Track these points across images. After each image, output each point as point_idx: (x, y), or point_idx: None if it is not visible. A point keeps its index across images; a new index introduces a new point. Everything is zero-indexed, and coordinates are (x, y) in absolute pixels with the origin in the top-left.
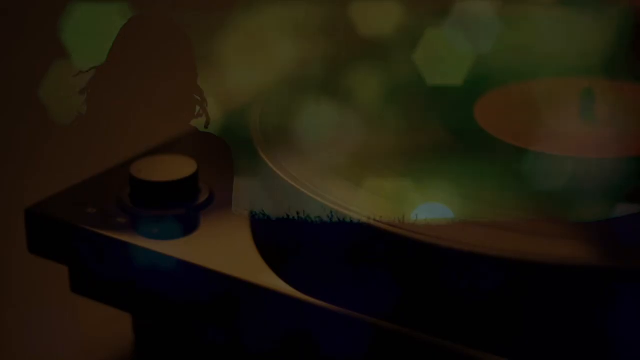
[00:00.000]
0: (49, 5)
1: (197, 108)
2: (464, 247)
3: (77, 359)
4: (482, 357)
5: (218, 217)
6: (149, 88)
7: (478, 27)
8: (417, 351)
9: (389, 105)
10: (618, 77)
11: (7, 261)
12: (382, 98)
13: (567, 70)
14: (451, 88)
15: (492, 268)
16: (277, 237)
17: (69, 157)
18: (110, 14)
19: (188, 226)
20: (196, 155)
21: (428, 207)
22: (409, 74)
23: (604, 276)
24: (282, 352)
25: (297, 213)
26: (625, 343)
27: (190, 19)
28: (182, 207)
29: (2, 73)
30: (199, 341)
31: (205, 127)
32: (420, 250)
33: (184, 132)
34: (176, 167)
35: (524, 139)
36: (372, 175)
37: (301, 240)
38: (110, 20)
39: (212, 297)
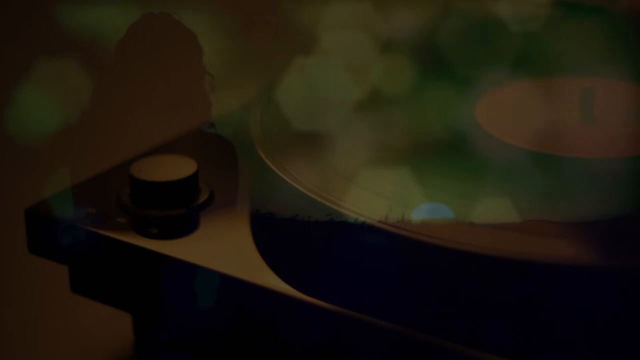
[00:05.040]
0: (50, 6)
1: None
2: (464, 247)
3: (77, 359)
4: (482, 357)
5: (218, 217)
6: (149, 88)
7: (479, 27)
8: (418, 351)
9: (389, 105)
10: (618, 77)
11: (7, 261)
12: (382, 98)
13: (567, 70)
14: (451, 88)
15: (492, 268)
16: (277, 237)
17: (69, 157)
18: (113, 16)
19: (188, 226)
20: (196, 155)
21: (428, 207)
22: (410, 74)
23: (603, 276)
24: (282, 351)
25: (297, 213)
26: (623, 342)
27: (190, 19)
28: (182, 207)
29: (2, 73)
30: (198, 341)
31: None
32: (421, 251)
33: (184, 132)
34: (176, 167)
35: (524, 139)
36: (372, 175)
37: (301, 240)
38: (112, 22)
39: (212, 298)
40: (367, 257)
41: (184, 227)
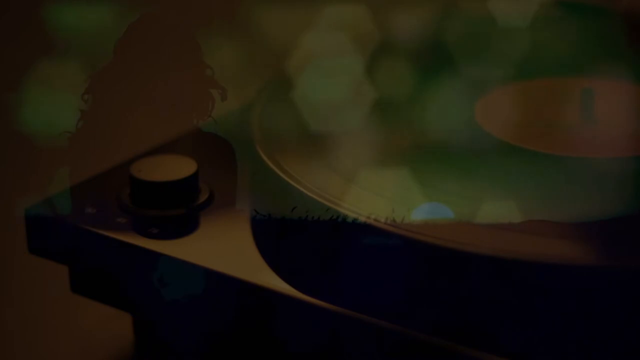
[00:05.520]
0: (51, 6)
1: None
2: (464, 247)
3: (77, 359)
4: (482, 357)
5: (218, 217)
6: (149, 88)
7: (479, 27)
8: (418, 351)
9: (389, 104)
10: (618, 77)
11: (7, 261)
12: (382, 97)
13: (567, 70)
14: (451, 88)
15: (492, 268)
16: (277, 237)
17: (69, 157)
18: (111, 15)
19: (188, 226)
20: (196, 155)
21: (428, 207)
22: (410, 74)
23: (603, 276)
24: (282, 351)
25: (297, 213)
26: (623, 342)
27: (190, 18)
28: (182, 207)
29: (2, 72)
30: (199, 341)
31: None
32: (420, 250)
33: (184, 132)
34: (176, 167)
35: (524, 139)
36: (372, 175)
37: (301, 240)
38: (110, 21)
39: (212, 297)
40: (367, 257)
41: (184, 227)
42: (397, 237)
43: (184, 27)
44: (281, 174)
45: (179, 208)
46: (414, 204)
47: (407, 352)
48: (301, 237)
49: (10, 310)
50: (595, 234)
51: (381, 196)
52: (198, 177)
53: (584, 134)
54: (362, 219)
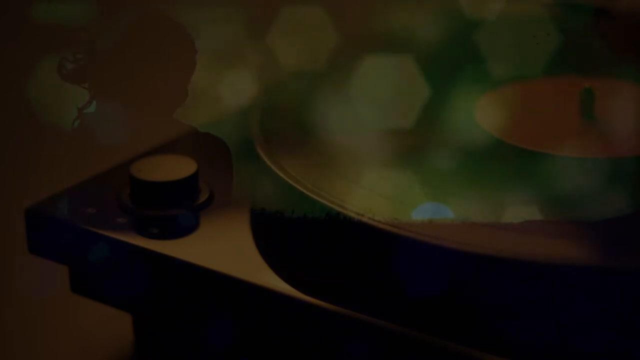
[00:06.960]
0: (50, 5)
1: None
2: (464, 247)
3: (77, 359)
4: (482, 357)
5: (218, 217)
6: (149, 88)
7: (479, 27)
8: (418, 351)
9: (389, 104)
10: (618, 77)
11: (7, 261)
12: (382, 97)
13: (567, 70)
14: (451, 88)
15: (492, 268)
16: (277, 237)
17: (69, 157)
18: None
19: (188, 226)
20: (196, 155)
21: (428, 207)
22: (409, 74)
23: (603, 276)
24: (282, 352)
25: (297, 213)
26: (623, 342)
27: (190, 18)
28: (182, 207)
29: (2, 72)
30: (199, 341)
31: None
32: (420, 251)
33: (184, 132)
34: (176, 167)
35: (524, 139)
36: (372, 175)
37: (301, 240)
38: (112, 21)
39: (212, 297)
40: (366, 256)
41: (184, 227)
42: (397, 237)
43: (184, 27)
44: (281, 174)
45: (179, 208)
46: (414, 203)
47: (407, 352)
48: (301, 237)
49: (10, 310)
50: (595, 234)
51: (381, 196)
52: (198, 177)
53: (583, 134)
54: (362, 218)
